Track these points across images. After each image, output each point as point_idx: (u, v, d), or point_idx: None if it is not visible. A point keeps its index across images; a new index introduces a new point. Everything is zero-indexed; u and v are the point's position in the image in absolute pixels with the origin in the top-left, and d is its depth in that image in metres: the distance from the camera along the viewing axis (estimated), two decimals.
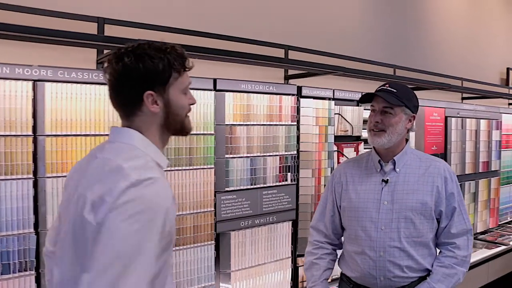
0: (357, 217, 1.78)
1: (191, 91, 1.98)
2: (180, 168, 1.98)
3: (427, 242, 1.73)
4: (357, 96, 2.79)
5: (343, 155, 2.70)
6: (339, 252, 1.95)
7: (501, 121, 4.13)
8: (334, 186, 1.89)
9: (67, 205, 1.08)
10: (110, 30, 1.88)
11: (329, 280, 1.92)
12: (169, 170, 1.95)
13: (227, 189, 2.14)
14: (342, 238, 1.91)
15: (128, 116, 1.11)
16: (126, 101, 1.10)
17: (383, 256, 1.70)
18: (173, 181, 1.97)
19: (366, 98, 1.81)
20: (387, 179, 1.75)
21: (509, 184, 4.26)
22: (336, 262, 1.93)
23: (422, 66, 3.56)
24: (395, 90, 1.70)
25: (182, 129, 1.17)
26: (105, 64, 1.11)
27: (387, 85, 1.74)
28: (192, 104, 1.19)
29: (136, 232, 0.95)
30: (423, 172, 1.75)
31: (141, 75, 1.06)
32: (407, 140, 1.82)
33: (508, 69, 4.69)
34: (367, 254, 1.73)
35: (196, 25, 2.20)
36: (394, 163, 1.76)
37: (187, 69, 1.14)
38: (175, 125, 1.14)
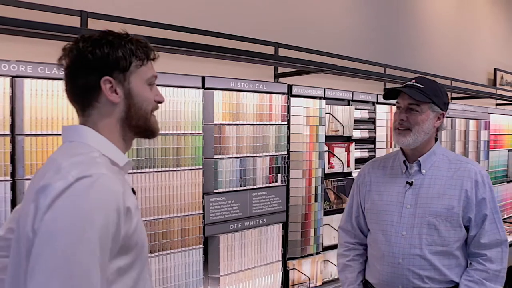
0: (378, 220, 1.70)
1: (178, 89, 1.94)
2: (167, 169, 1.93)
3: (454, 251, 1.60)
4: (348, 95, 2.78)
5: (334, 155, 2.68)
6: None
7: (489, 121, 4.17)
8: (359, 187, 1.81)
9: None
10: (94, 25, 1.81)
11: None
12: (155, 172, 1.89)
13: (216, 190, 2.09)
14: None
15: (85, 109, 1.02)
16: (82, 90, 1.01)
17: (401, 264, 1.60)
18: (160, 183, 1.91)
19: (390, 95, 1.70)
20: (412, 181, 1.65)
21: (497, 184, 4.30)
22: None
23: (412, 66, 3.56)
24: (422, 86, 1.61)
25: (146, 127, 1.07)
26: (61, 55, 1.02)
27: (414, 81, 1.65)
28: (160, 102, 1.11)
29: (72, 244, 0.83)
30: (452, 174, 1.63)
31: (97, 59, 0.99)
32: (436, 139, 1.72)
33: (495, 69, 4.75)
34: (386, 260, 1.64)
35: (184, 21, 2.15)
36: (420, 165, 1.66)
37: (151, 59, 1.07)
38: (138, 120, 1.05)
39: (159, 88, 1.87)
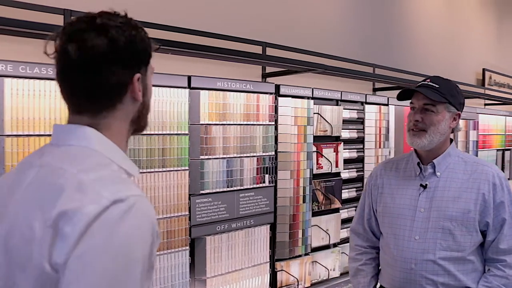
0: (391, 223, 1.67)
1: (164, 88, 1.93)
2: (152, 170, 1.92)
3: (469, 256, 1.56)
4: (337, 95, 2.79)
5: (322, 155, 2.68)
6: None
7: (478, 121, 4.22)
8: (371, 189, 1.78)
9: None
10: None
11: None
12: (140, 172, 1.88)
13: (202, 192, 2.09)
14: None
15: (101, 111, 0.85)
16: (107, 89, 0.83)
17: (414, 269, 1.56)
18: (145, 184, 1.90)
19: (404, 95, 1.66)
20: (426, 184, 1.61)
21: None
22: None
23: (401, 66, 3.59)
24: (437, 85, 1.58)
25: (146, 124, 0.96)
26: (63, 39, 0.83)
27: (429, 80, 1.62)
28: None
29: (116, 275, 0.73)
30: (468, 177, 1.59)
31: (135, 53, 0.84)
32: (452, 140, 1.69)
33: (484, 69, 4.80)
34: (398, 265, 1.61)
35: (170, 19, 2.14)
36: (434, 167, 1.62)
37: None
38: (145, 119, 0.94)
39: None
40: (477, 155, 4.19)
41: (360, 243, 1.81)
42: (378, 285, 1.79)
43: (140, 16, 1.95)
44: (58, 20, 1.75)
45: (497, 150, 4.51)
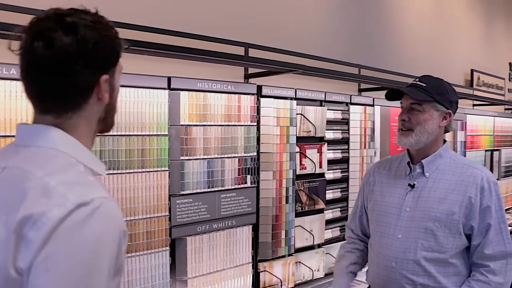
0: (378, 221, 1.71)
1: (143, 89, 1.96)
2: (131, 171, 1.95)
3: (451, 259, 1.57)
4: (320, 96, 2.83)
5: (305, 156, 2.72)
6: None
7: (465, 122, 4.28)
8: (364, 186, 1.85)
9: None
10: None
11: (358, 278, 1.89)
12: (119, 173, 1.91)
13: (182, 192, 2.12)
14: None
15: (66, 111, 0.86)
16: (74, 90, 0.84)
17: (395, 268, 1.59)
18: (124, 185, 1.93)
19: (394, 95, 1.68)
20: (414, 184, 1.64)
21: None
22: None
23: (387, 66, 3.64)
24: (424, 84, 1.61)
25: (112, 124, 0.98)
26: (30, 35, 0.82)
27: (418, 79, 1.65)
28: None
29: (80, 279, 0.74)
30: (457, 179, 1.59)
31: (105, 53, 0.85)
32: (445, 141, 1.71)
33: (472, 70, 4.87)
34: (381, 262, 1.65)
35: (150, 21, 2.17)
36: (423, 167, 1.65)
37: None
38: (112, 118, 0.95)
39: (124, 89, 1.91)
40: (465, 156, 4.25)
41: (351, 235, 1.90)
42: (367, 285, 1.84)
43: (119, 16, 1.98)
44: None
45: (486, 150, 4.57)
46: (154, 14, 2.27)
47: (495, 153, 4.70)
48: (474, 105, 4.81)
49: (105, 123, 0.95)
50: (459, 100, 4.06)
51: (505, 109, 5.31)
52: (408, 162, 1.69)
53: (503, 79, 5.51)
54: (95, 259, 0.76)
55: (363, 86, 3.38)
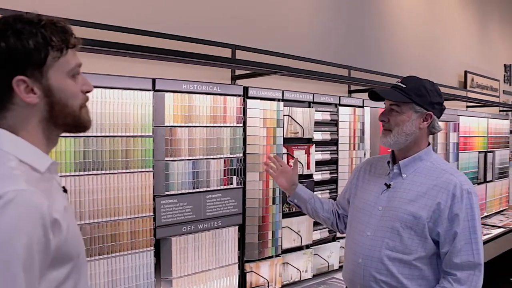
0: (353, 216, 1.80)
1: (128, 91, 2.00)
2: (115, 171, 1.99)
3: (416, 262, 1.59)
4: (309, 97, 2.87)
5: (293, 157, 2.76)
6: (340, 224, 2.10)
7: (458, 123, 4.32)
8: (354, 176, 1.93)
9: None
10: None
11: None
12: (103, 174, 1.95)
13: (167, 193, 2.16)
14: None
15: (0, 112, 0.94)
16: None
17: (360, 264, 1.65)
18: (108, 185, 1.97)
19: (377, 95, 1.71)
20: (390, 184, 1.69)
21: None
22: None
23: (378, 68, 3.68)
24: (404, 86, 1.63)
25: (77, 123, 1.01)
26: None
27: (400, 80, 1.69)
28: (88, 91, 1.03)
29: None
30: (431, 183, 1.61)
31: (6, 57, 0.89)
32: (429, 144, 1.73)
33: (466, 72, 4.91)
34: (349, 257, 1.73)
35: (137, 22, 2.21)
36: (400, 168, 1.68)
37: (71, 47, 0.98)
38: (65, 118, 0.99)
39: (107, 90, 1.95)
40: (457, 157, 4.29)
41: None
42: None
43: (102, 19, 2.03)
44: None
45: (479, 152, 4.61)
46: (141, 16, 2.32)
47: (489, 155, 4.74)
48: (467, 106, 4.85)
49: (57, 122, 0.99)
50: (452, 102, 4.10)
51: (500, 110, 5.35)
52: (388, 162, 1.74)
53: (498, 80, 5.55)
54: (7, 249, 0.80)
55: (353, 87, 3.42)
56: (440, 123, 4.04)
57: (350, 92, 3.42)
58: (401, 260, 1.59)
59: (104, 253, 1.97)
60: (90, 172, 1.92)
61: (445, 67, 4.74)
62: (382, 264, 1.60)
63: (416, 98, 1.62)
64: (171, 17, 2.46)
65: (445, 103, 4.16)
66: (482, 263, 1.55)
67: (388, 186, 1.69)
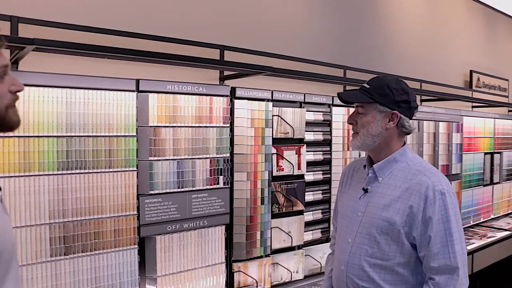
0: (339, 222, 1.78)
1: (111, 91, 2.07)
2: (98, 170, 2.07)
3: (396, 267, 1.56)
4: (299, 98, 2.91)
5: (283, 158, 2.81)
6: None
7: (462, 124, 4.29)
8: (339, 184, 1.88)
9: None
10: (26, 30, 1.96)
11: None
12: (86, 173, 2.03)
13: (151, 192, 2.23)
14: None
15: None
16: None
17: (343, 271, 1.65)
18: (91, 184, 2.04)
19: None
20: (367, 188, 1.66)
21: (471, 187, 4.41)
22: None
23: (378, 68, 3.70)
24: (368, 86, 1.61)
25: (3, 123, 1.02)
26: None
27: (367, 81, 1.66)
28: (17, 91, 1.05)
29: None
30: (405, 186, 1.57)
31: None
32: (404, 143, 1.68)
33: (471, 71, 4.87)
34: (336, 265, 1.73)
35: (122, 24, 2.29)
36: (374, 171, 1.65)
37: None
38: None
39: (90, 92, 2.03)
40: (461, 158, 4.27)
41: (334, 234, 1.89)
42: None
43: (89, 22, 2.11)
44: (5, 28, 1.92)
45: (485, 153, 4.58)
46: (129, 18, 2.39)
47: (496, 156, 4.69)
48: (473, 106, 4.81)
49: None
50: (456, 102, 4.06)
51: (509, 111, 5.28)
52: (364, 166, 1.72)
53: (507, 80, 5.48)
54: None
55: (349, 87, 3.45)
56: (441, 123, 4.03)
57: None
58: (382, 266, 1.57)
59: (87, 251, 2.04)
60: (73, 171, 2.00)
61: (449, 66, 4.72)
62: (363, 271, 1.59)
63: (378, 98, 1.58)
64: (161, 18, 2.53)
65: (448, 103, 4.18)
66: (461, 266, 1.49)
67: (366, 190, 1.66)
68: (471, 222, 4.44)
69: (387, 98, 1.59)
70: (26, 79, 1.86)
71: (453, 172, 4.17)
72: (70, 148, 1.99)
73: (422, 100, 4.26)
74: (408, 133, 1.68)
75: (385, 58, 3.96)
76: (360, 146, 1.64)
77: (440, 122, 4.05)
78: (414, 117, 1.69)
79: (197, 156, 2.39)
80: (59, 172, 1.96)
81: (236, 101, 2.56)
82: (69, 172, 1.99)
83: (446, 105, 4.21)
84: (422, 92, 3.90)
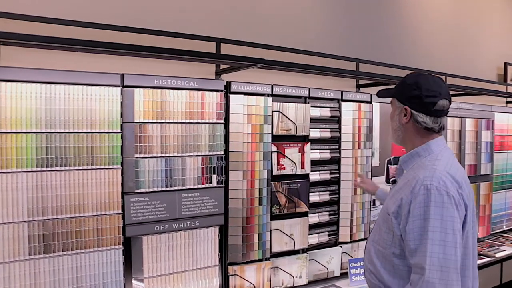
0: None
1: (93, 87, 2.05)
2: (80, 167, 2.05)
3: (392, 258, 1.57)
4: (303, 92, 2.80)
5: (284, 156, 2.71)
6: None
7: (493, 121, 4.03)
8: None
9: None
10: (5, 25, 1.96)
11: None
12: (67, 170, 2.01)
13: (137, 190, 2.19)
14: None
15: None
16: None
17: (364, 255, 1.79)
18: (72, 181, 2.03)
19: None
20: (395, 180, 1.77)
21: (504, 189, 4.14)
22: None
23: (398, 61, 3.52)
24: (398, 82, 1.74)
25: None
26: None
27: None
28: None
29: None
30: (409, 178, 1.58)
31: None
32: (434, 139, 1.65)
33: (506, 63, 4.56)
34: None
35: (116, 18, 2.26)
36: (400, 164, 1.73)
37: None
38: None
39: (71, 87, 2.01)
40: (491, 158, 4.01)
41: None
42: None
43: (73, 16, 2.08)
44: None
45: None
46: (125, 12, 2.36)
47: None
48: (507, 102, 4.51)
49: None
50: (486, 97, 3.80)
51: None
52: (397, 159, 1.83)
53: None
54: None
55: (362, 81, 3.29)
56: (468, 120, 3.79)
57: (359, 86, 3.29)
58: (383, 254, 1.61)
59: (68, 249, 2.03)
60: (53, 168, 1.99)
61: (480, 58, 4.44)
62: (369, 255, 1.68)
63: (395, 93, 1.70)
64: (155, 12, 2.49)
65: (478, 99, 3.92)
66: (428, 268, 1.39)
67: (394, 181, 1.77)
68: (504, 227, 4.17)
69: (401, 93, 1.67)
70: (3, 74, 1.87)
71: (482, 173, 3.92)
72: (50, 144, 1.98)
73: None
74: (429, 130, 1.64)
75: (405, 49, 3.76)
76: (394, 140, 1.75)
77: (466, 119, 3.81)
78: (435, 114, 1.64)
79: (187, 154, 2.33)
80: (38, 169, 1.96)
81: (231, 96, 2.48)
82: (48, 169, 1.98)
83: (475, 100, 3.97)
84: (449, 87, 3.68)
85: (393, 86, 1.78)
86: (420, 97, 1.62)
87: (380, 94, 1.87)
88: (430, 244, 1.41)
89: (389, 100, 1.78)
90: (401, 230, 1.53)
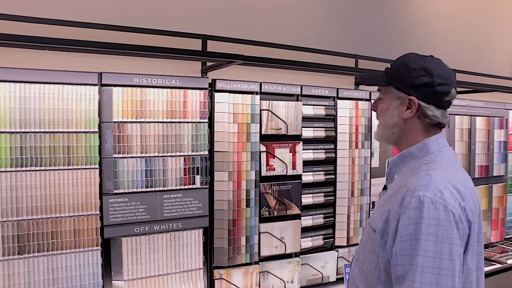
0: None
1: (69, 86, 2.07)
2: (56, 168, 2.07)
3: (376, 283, 1.32)
4: (295, 90, 2.77)
5: (274, 156, 2.68)
6: None
7: (507, 119, 3.91)
8: None
9: None
10: None
11: None
12: (43, 170, 2.04)
13: (116, 191, 2.21)
14: None
15: None
16: None
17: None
18: (48, 182, 2.06)
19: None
20: (386, 186, 1.49)
21: None
22: None
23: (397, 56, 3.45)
24: (389, 67, 1.43)
25: None
26: None
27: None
28: None
29: None
30: (398, 187, 1.33)
31: None
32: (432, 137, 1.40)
33: None
34: None
35: (107, 18, 2.28)
36: (390, 167, 1.46)
37: None
38: None
39: (46, 86, 2.04)
40: (505, 158, 3.89)
41: None
42: None
43: (51, 14, 2.10)
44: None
45: None
46: (106, 9, 2.38)
47: None
48: None
49: None
50: (499, 94, 3.68)
51: None
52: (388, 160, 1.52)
53: None
54: None
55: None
56: (478, 118, 3.69)
57: (358, 84, 3.24)
58: (365, 276, 1.37)
59: (43, 250, 2.06)
60: (28, 168, 2.02)
61: (494, 53, 4.31)
62: (352, 275, 1.43)
63: (394, 80, 1.38)
64: (141, 9, 2.50)
65: (491, 96, 3.80)
66: None
67: (385, 188, 1.48)
68: None
69: (402, 80, 1.37)
70: None
71: (494, 174, 3.80)
72: (25, 144, 2.01)
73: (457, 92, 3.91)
74: (438, 125, 1.40)
75: (409, 44, 3.68)
76: (380, 137, 1.45)
77: (477, 117, 3.70)
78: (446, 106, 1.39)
79: (168, 154, 2.33)
80: (13, 169, 1.99)
81: (216, 94, 2.48)
82: (23, 169, 2.01)
83: (488, 97, 3.85)
84: (457, 84, 3.58)
85: (381, 70, 1.50)
86: (432, 85, 1.34)
87: (366, 81, 1.56)
88: (420, 272, 1.16)
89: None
90: (387, 253, 1.27)
